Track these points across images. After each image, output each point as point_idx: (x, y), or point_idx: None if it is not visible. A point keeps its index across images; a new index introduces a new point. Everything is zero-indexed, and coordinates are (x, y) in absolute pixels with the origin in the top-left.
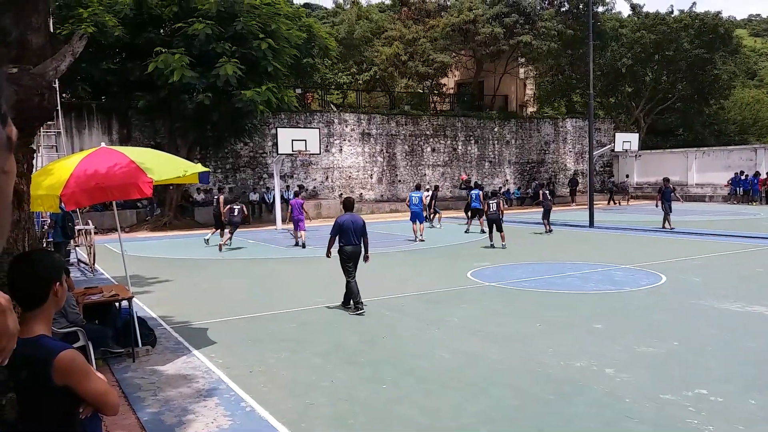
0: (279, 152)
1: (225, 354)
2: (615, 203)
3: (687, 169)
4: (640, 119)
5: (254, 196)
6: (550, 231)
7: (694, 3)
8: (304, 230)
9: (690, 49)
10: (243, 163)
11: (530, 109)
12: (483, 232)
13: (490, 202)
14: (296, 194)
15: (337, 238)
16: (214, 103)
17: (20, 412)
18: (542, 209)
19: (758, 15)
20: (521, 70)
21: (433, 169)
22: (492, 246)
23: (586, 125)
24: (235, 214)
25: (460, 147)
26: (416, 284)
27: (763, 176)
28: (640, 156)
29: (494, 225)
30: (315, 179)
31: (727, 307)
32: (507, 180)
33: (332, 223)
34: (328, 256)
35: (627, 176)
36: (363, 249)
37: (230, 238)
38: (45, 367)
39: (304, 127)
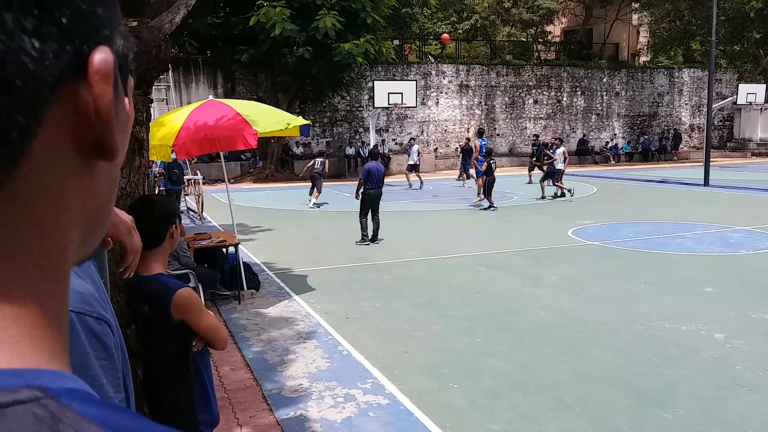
0: (375, 106)
1: (323, 300)
2: None
3: None
4: None
5: (350, 150)
6: (558, 194)
7: None
8: None
9: None
10: (340, 117)
11: (643, 59)
12: (558, 194)
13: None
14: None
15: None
16: (314, 57)
17: (142, 344)
18: (544, 172)
19: None
20: (635, 16)
21: (534, 122)
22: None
23: (705, 76)
24: (317, 167)
25: (565, 99)
26: (514, 241)
27: None
28: (766, 109)
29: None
30: (410, 133)
31: None
32: (615, 134)
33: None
34: (357, 197)
35: None
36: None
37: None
38: (165, 303)
39: (401, 80)
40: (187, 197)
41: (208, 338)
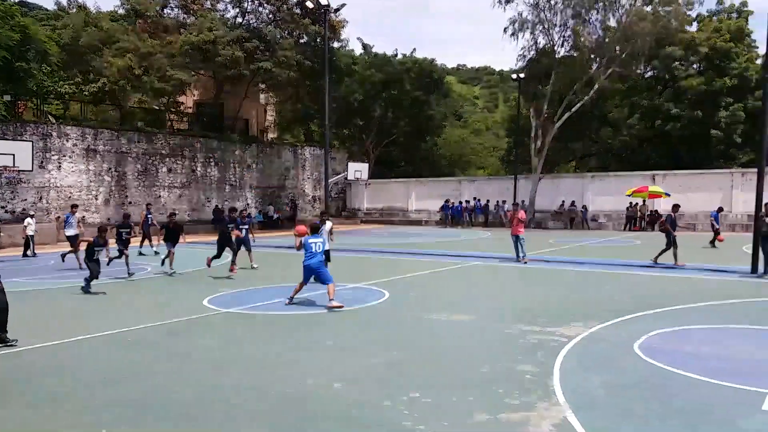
0: None
1: None
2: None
3: (407, 197)
4: (370, 151)
5: None
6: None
7: (415, 49)
8: None
9: (411, 90)
10: None
11: (271, 135)
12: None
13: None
14: None
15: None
16: None
17: None
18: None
19: (464, 65)
20: (262, 96)
21: (169, 190)
22: None
23: (323, 153)
24: None
25: (199, 168)
26: (150, 315)
27: (464, 204)
28: (369, 184)
29: None
30: (25, 200)
31: (435, 318)
32: (248, 204)
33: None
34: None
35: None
36: None
37: None
38: None
39: (13, 140)
40: None
41: None
